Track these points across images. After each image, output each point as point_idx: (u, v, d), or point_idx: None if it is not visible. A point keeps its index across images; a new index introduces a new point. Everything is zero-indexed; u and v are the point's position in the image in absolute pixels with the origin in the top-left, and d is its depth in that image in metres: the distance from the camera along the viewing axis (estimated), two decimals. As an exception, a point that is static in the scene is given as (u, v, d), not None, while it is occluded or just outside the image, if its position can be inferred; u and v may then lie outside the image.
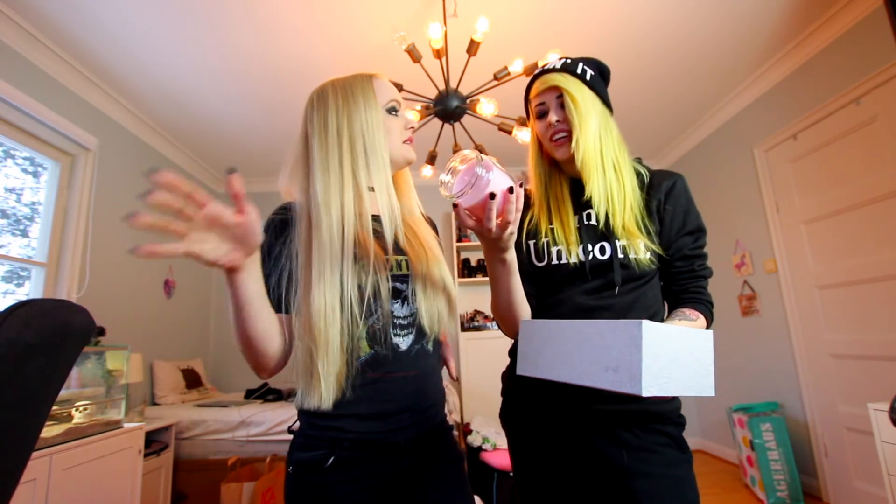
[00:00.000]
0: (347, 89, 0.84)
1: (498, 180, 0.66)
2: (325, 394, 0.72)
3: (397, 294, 0.82)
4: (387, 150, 0.83)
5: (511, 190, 0.66)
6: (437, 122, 2.74)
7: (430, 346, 0.87)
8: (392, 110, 0.86)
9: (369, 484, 0.77)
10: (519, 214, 0.68)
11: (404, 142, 0.87)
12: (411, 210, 0.92)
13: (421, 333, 0.85)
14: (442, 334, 0.93)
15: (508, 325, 0.86)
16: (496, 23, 2.26)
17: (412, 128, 0.89)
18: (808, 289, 2.61)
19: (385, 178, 0.81)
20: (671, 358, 0.60)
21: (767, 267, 2.90)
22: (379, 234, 0.82)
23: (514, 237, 0.73)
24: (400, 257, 0.84)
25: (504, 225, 0.68)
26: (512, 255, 0.76)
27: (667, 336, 0.60)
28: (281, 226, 0.81)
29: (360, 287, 0.76)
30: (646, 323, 0.58)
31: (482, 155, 0.68)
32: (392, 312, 0.80)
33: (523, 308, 0.84)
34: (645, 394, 0.56)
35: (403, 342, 0.82)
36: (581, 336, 0.65)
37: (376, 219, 0.81)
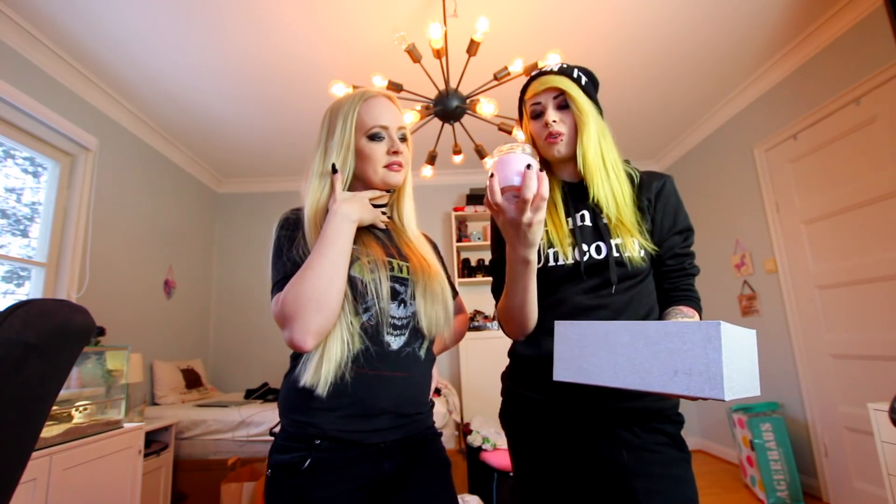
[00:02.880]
0: (336, 112, 0.91)
1: (519, 161, 0.72)
2: (323, 378, 0.75)
3: (395, 295, 0.84)
4: (347, 174, 0.89)
5: (529, 166, 0.70)
6: (437, 122, 2.75)
7: (421, 353, 0.88)
8: (375, 137, 0.89)
9: (347, 488, 0.76)
10: (535, 197, 0.71)
11: (387, 166, 0.89)
12: (409, 223, 0.97)
13: (415, 336, 0.87)
14: (438, 342, 0.94)
15: (518, 325, 0.88)
16: (496, 23, 2.26)
17: (396, 151, 0.89)
18: (808, 289, 2.61)
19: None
20: (738, 359, 0.58)
21: (767, 267, 2.90)
22: (380, 239, 0.89)
23: (539, 230, 0.74)
24: (402, 262, 0.88)
25: (521, 205, 0.70)
26: (534, 256, 0.79)
27: (735, 337, 0.58)
28: (296, 222, 0.86)
29: (360, 281, 0.80)
30: (723, 323, 0.56)
31: (525, 145, 0.75)
32: (388, 312, 0.83)
33: (535, 308, 0.86)
34: (728, 397, 0.53)
35: (395, 342, 0.83)
36: (642, 338, 0.61)
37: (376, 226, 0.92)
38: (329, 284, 0.74)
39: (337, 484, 0.75)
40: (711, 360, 0.55)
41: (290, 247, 0.82)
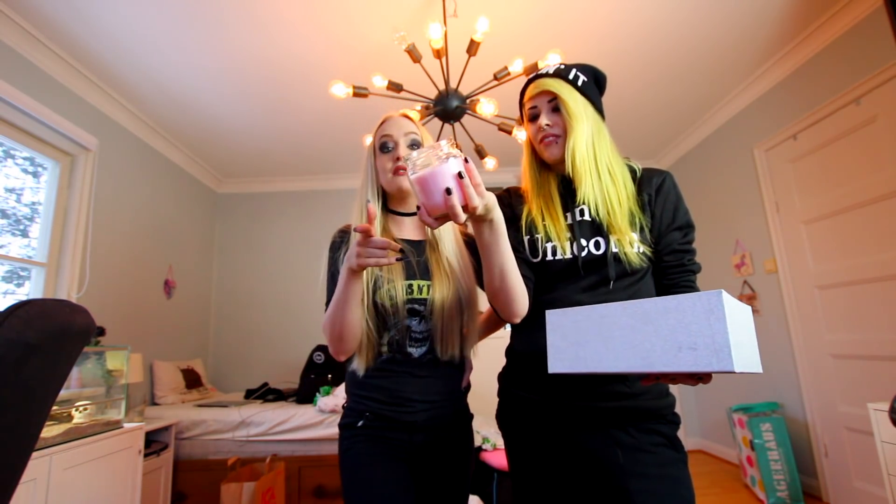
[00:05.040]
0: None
1: (439, 182, 0.66)
2: (360, 366, 0.95)
3: (415, 313, 0.95)
4: (372, 190, 1.01)
5: (460, 175, 0.66)
6: (437, 122, 2.74)
7: (444, 357, 0.97)
8: (382, 147, 1.00)
9: (386, 447, 0.94)
10: (479, 188, 0.68)
11: (393, 172, 0.98)
12: (441, 236, 1.01)
13: (434, 345, 0.97)
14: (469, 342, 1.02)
15: (503, 299, 0.84)
16: (496, 23, 2.26)
17: (397, 157, 0.97)
18: (808, 289, 2.61)
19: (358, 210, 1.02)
20: (740, 331, 0.56)
21: (767, 267, 2.90)
22: (406, 257, 0.97)
23: (490, 196, 0.72)
24: (423, 282, 0.96)
25: (472, 208, 0.68)
26: (498, 215, 0.76)
27: (736, 309, 0.56)
28: (338, 244, 1.01)
29: (382, 306, 0.94)
30: (725, 293, 0.54)
31: (441, 143, 0.68)
32: (409, 327, 0.95)
33: (517, 279, 0.83)
34: (737, 368, 0.51)
35: (416, 351, 0.96)
36: (639, 318, 0.59)
37: (408, 242, 1.00)
38: (342, 326, 0.88)
39: (378, 442, 0.94)
40: (716, 332, 0.53)
41: (336, 271, 0.96)
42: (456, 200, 0.66)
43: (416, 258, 0.98)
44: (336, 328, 0.89)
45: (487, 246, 0.79)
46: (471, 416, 1.05)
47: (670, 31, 2.45)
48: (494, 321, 1.08)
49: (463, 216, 0.68)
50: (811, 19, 2.39)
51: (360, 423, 0.95)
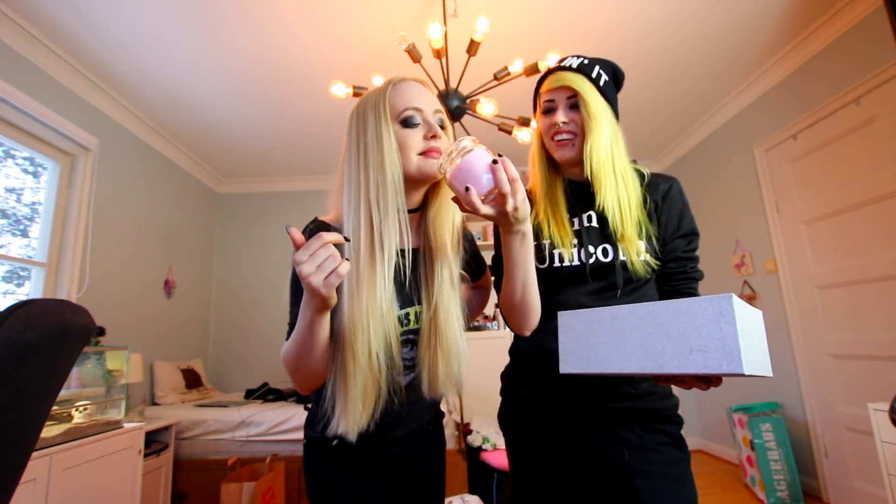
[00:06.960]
0: (363, 107, 0.83)
1: (480, 161, 0.68)
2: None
3: (407, 342, 0.85)
4: (395, 171, 0.77)
5: (494, 162, 0.67)
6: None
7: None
8: (408, 121, 0.80)
9: (361, 468, 0.88)
10: (516, 183, 0.68)
11: (424, 153, 0.79)
12: (443, 245, 0.84)
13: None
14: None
15: (521, 314, 0.85)
16: (496, 23, 2.26)
17: (434, 136, 0.80)
18: (808, 289, 2.61)
19: (393, 207, 0.76)
20: (750, 335, 0.57)
21: (767, 267, 2.90)
22: (399, 276, 0.80)
23: (526, 204, 0.72)
24: (418, 308, 0.84)
25: (501, 199, 0.68)
26: (528, 227, 0.77)
27: (746, 313, 0.57)
28: None
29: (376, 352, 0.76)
30: (735, 296, 0.55)
31: (466, 139, 0.70)
32: (399, 357, 0.80)
33: (536, 293, 0.84)
34: (747, 371, 0.52)
35: (404, 379, 0.85)
36: (651, 320, 0.60)
37: (403, 253, 0.81)
38: (307, 372, 0.75)
39: (356, 459, 0.87)
40: (727, 335, 0.54)
41: (298, 291, 0.78)
42: (501, 167, 0.66)
43: (411, 273, 0.82)
44: (301, 372, 0.76)
45: (514, 260, 0.78)
46: (441, 416, 1.03)
47: (670, 31, 2.45)
48: (476, 305, 1.07)
49: (508, 186, 0.67)
50: (811, 19, 2.39)
51: (334, 443, 0.83)
